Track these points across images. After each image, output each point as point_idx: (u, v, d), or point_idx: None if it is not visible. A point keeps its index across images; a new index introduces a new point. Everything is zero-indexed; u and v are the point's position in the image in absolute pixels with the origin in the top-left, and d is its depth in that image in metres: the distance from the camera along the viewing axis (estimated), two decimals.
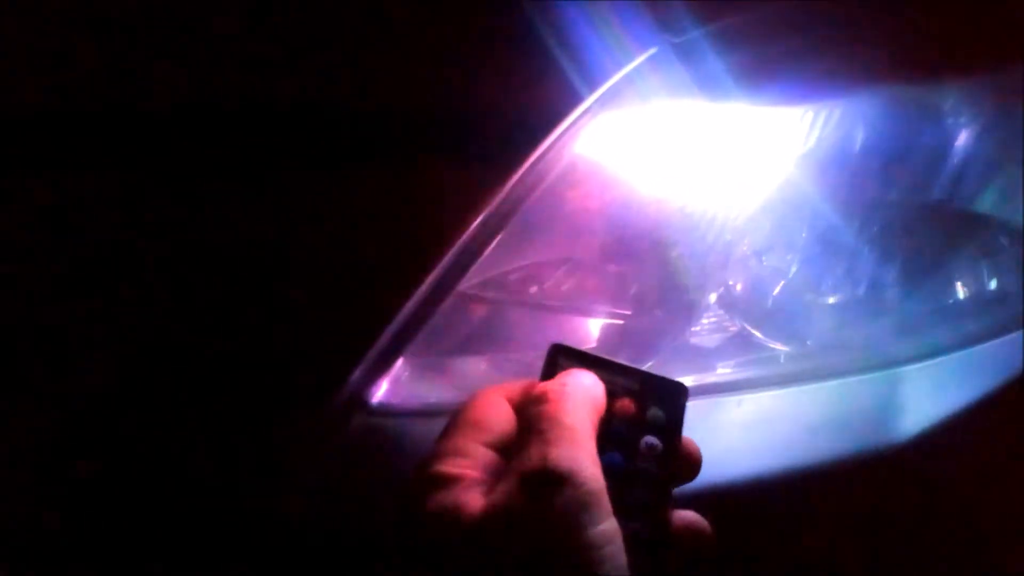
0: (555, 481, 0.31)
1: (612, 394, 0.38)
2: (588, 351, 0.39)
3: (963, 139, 0.59)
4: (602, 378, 0.38)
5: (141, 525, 0.50)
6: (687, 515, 0.37)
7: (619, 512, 0.32)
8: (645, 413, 0.38)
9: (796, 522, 0.52)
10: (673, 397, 0.39)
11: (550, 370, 0.39)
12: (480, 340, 0.57)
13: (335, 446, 0.51)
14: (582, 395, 0.36)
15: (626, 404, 0.38)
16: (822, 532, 0.53)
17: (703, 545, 0.37)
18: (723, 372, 0.60)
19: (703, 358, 0.61)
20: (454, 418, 0.37)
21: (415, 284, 0.46)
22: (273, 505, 0.50)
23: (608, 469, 0.34)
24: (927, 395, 0.55)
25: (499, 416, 0.36)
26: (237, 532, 0.50)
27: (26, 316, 0.49)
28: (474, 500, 0.32)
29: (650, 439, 0.37)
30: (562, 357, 0.39)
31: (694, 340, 0.62)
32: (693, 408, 0.55)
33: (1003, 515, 0.56)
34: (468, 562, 0.31)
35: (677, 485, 0.38)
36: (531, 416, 0.35)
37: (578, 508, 0.31)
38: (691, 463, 0.39)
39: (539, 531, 0.31)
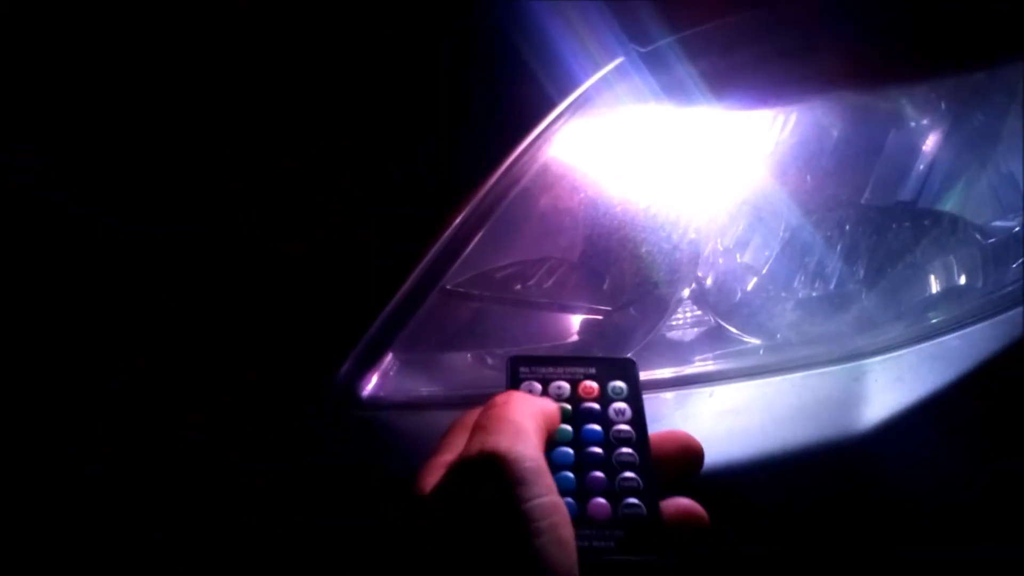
0: (491, 462, 0.33)
1: (575, 381, 0.43)
2: (542, 354, 0.45)
3: (927, 142, 0.61)
4: (564, 370, 0.43)
5: (139, 523, 0.51)
6: (682, 501, 0.38)
7: (610, 492, 0.37)
8: (606, 387, 0.43)
9: (763, 507, 0.55)
10: (626, 370, 0.44)
11: (513, 379, 0.43)
12: (465, 335, 0.59)
13: (327, 438, 0.53)
14: (529, 401, 0.38)
15: (589, 385, 0.43)
16: (788, 517, 0.55)
17: (698, 529, 0.38)
18: (697, 364, 0.62)
19: (679, 351, 0.64)
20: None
21: (400, 281, 0.48)
22: (268, 498, 0.51)
23: (588, 441, 0.40)
24: (888, 387, 0.57)
25: (459, 438, 0.38)
26: (232, 529, 0.51)
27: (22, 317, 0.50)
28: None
29: (618, 405, 0.42)
30: (521, 365, 0.43)
31: (671, 334, 0.65)
32: (668, 399, 0.58)
33: (956, 505, 0.58)
34: (414, 537, 0.33)
35: (683, 477, 0.40)
36: (478, 420, 0.37)
37: (513, 482, 0.32)
38: (690, 454, 0.40)
39: (474, 506, 0.32)
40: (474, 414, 0.39)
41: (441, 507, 0.33)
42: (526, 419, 0.36)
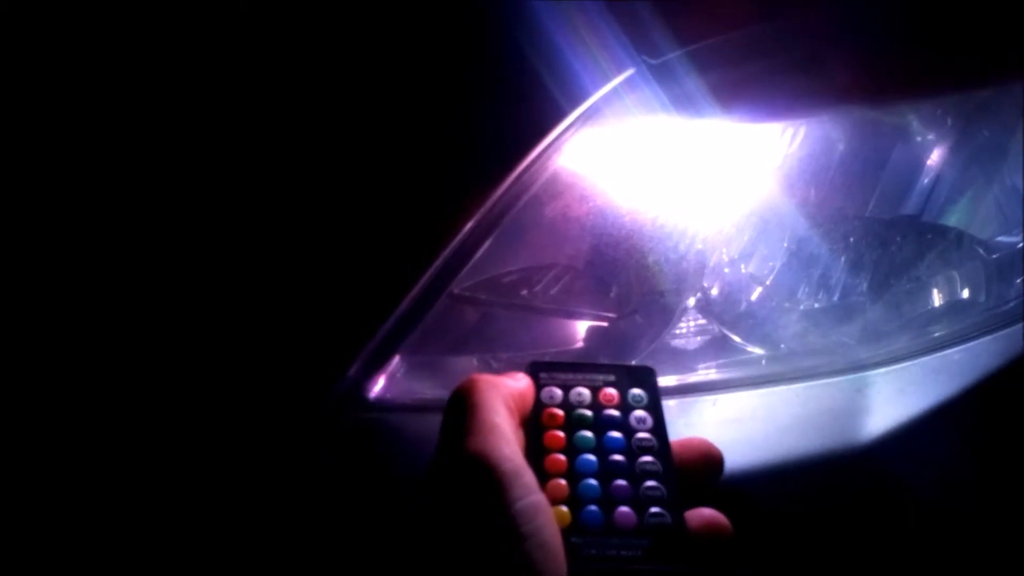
0: (467, 468, 0.32)
1: (596, 388, 0.43)
2: (562, 360, 0.44)
3: (933, 157, 0.62)
4: (583, 376, 0.43)
5: (139, 525, 0.51)
6: (705, 511, 0.38)
7: (635, 501, 0.37)
8: (626, 395, 0.43)
9: (764, 516, 0.55)
10: (645, 378, 0.44)
11: (533, 385, 0.42)
12: (472, 339, 0.60)
13: (333, 439, 0.53)
14: (494, 385, 0.37)
15: (609, 392, 0.43)
16: (789, 526, 0.55)
17: (722, 539, 0.37)
18: (701, 373, 0.62)
19: (683, 359, 0.64)
20: None
21: (409, 285, 0.49)
22: (273, 497, 0.52)
23: (611, 449, 0.40)
24: (891, 399, 0.57)
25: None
26: (236, 527, 0.51)
27: (23, 315, 0.50)
28: None
29: (638, 413, 0.42)
30: (541, 371, 0.43)
31: (675, 342, 0.65)
32: (671, 407, 0.59)
33: (957, 517, 0.58)
34: (410, 549, 0.32)
35: (704, 482, 0.40)
36: (448, 415, 0.36)
37: (491, 489, 0.31)
38: (710, 461, 0.40)
39: (454, 518, 0.31)
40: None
41: (422, 522, 0.32)
42: (496, 409, 0.35)
